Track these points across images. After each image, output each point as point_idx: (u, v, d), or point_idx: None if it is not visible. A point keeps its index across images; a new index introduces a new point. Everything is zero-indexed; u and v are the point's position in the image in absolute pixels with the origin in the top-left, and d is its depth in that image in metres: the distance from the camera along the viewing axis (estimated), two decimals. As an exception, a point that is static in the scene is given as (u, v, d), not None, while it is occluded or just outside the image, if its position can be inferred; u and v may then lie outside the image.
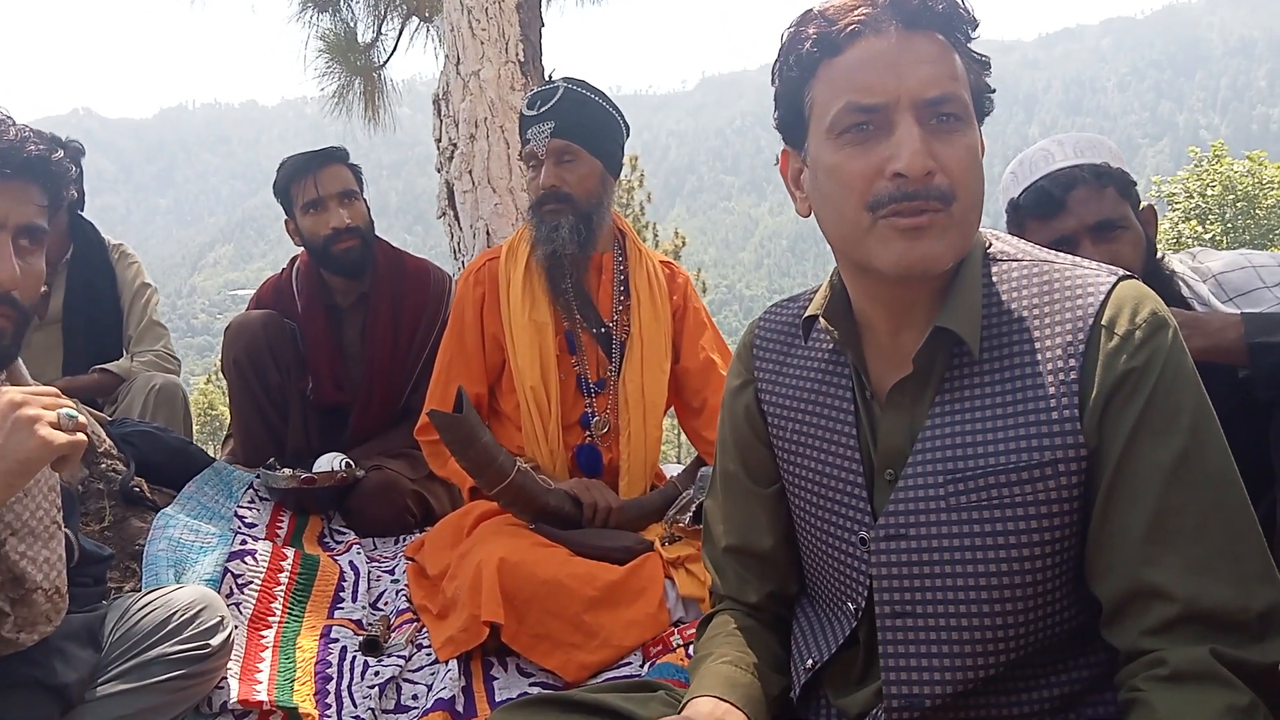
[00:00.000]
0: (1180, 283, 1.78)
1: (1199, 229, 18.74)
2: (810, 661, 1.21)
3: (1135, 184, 1.79)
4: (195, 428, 3.45)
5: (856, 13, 1.03)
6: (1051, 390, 1.02)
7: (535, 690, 1.84)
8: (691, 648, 1.36)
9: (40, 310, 3.14)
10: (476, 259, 2.43)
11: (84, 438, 1.24)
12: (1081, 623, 1.07)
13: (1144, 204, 1.82)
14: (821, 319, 1.18)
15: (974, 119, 1.06)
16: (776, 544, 1.28)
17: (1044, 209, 1.76)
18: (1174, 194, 19.81)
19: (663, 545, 2.15)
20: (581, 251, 2.27)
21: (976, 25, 1.06)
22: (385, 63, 5.68)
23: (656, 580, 2.04)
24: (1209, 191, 19.09)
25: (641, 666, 1.88)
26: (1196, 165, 19.94)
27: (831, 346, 1.20)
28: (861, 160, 1.03)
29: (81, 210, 3.26)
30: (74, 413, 1.23)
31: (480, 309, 2.35)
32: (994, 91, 1.11)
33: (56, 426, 1.21)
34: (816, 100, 1.07)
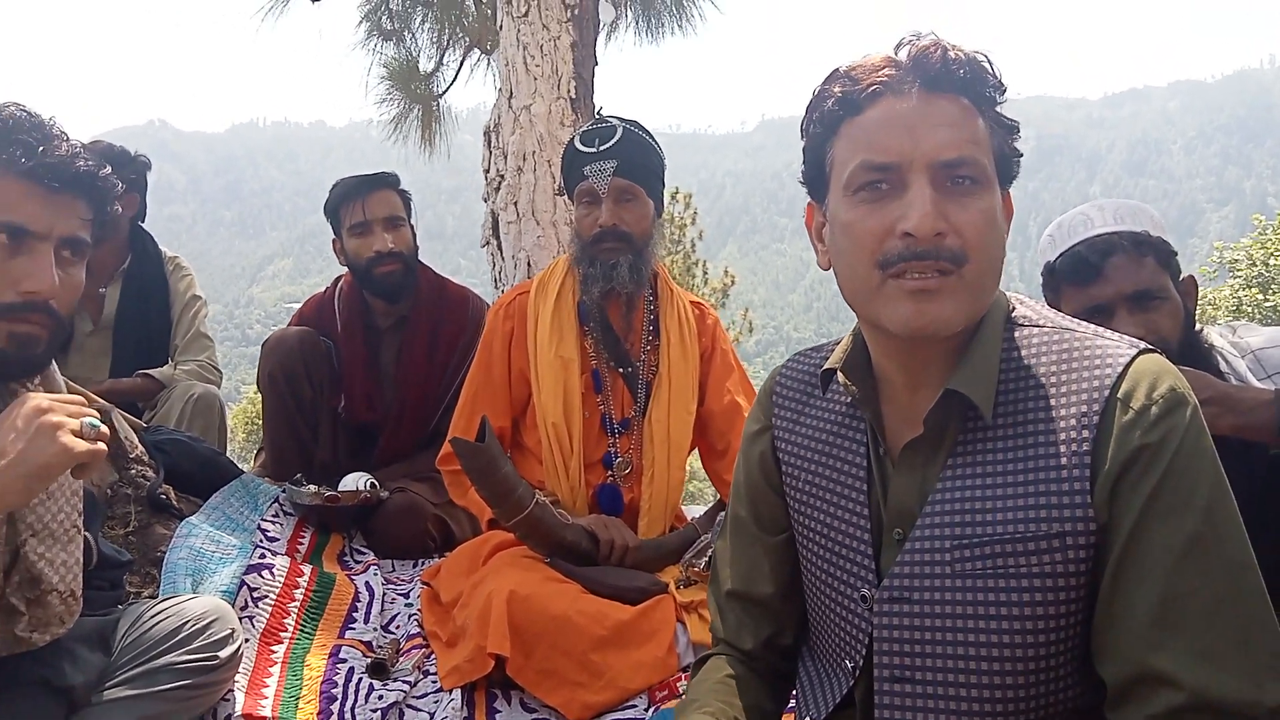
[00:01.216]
0: (1218, 356, 1.74)
1: (1259, 297, 18.34)
2: (808, 718, 1.19)
3: (1176, 254, 1.76)
4: (242, 436, 3.53)
5: (880, 74, 1.04)
6: (1064, 461, 1.00)
7: (537, 727, 1.83)
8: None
9: (94, 315, 3.23)
10: (508, 293, 2.45)
11: (104, 447, 1.27)
12: (1087, 701, 1.04)
13: (1184, 275, 1.78)
14: (839, 373, 1.19)
15: (994, 183, 1.05)
16: (777, 592, 1.28)
17: (1080, 275, 1.74)
18: (1236, 260, 19.44)
19: (678, 588, 2.13)
20: (637, 290, 2.29)
21: (1003, 90, 1.07)
22: (444, 92, 5.80)
23: (668, 623, 2.02)
24: (1272, 260, 18.70)
25: (646, 710, 1.86)
26: (1261, 233, 19.56)
27: (849, 400, 1.20)
28: (874, 218, 1.04)
29: (143, 221, 3.35)
30: (96, 422, 1.26)
31: (509, 343, 2.37)
32: (1020, 156, 1.10)
33: (79, 434, 1.24)
34: (837, 158, 1.09)
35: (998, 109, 1.07)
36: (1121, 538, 0.97)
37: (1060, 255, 1.79)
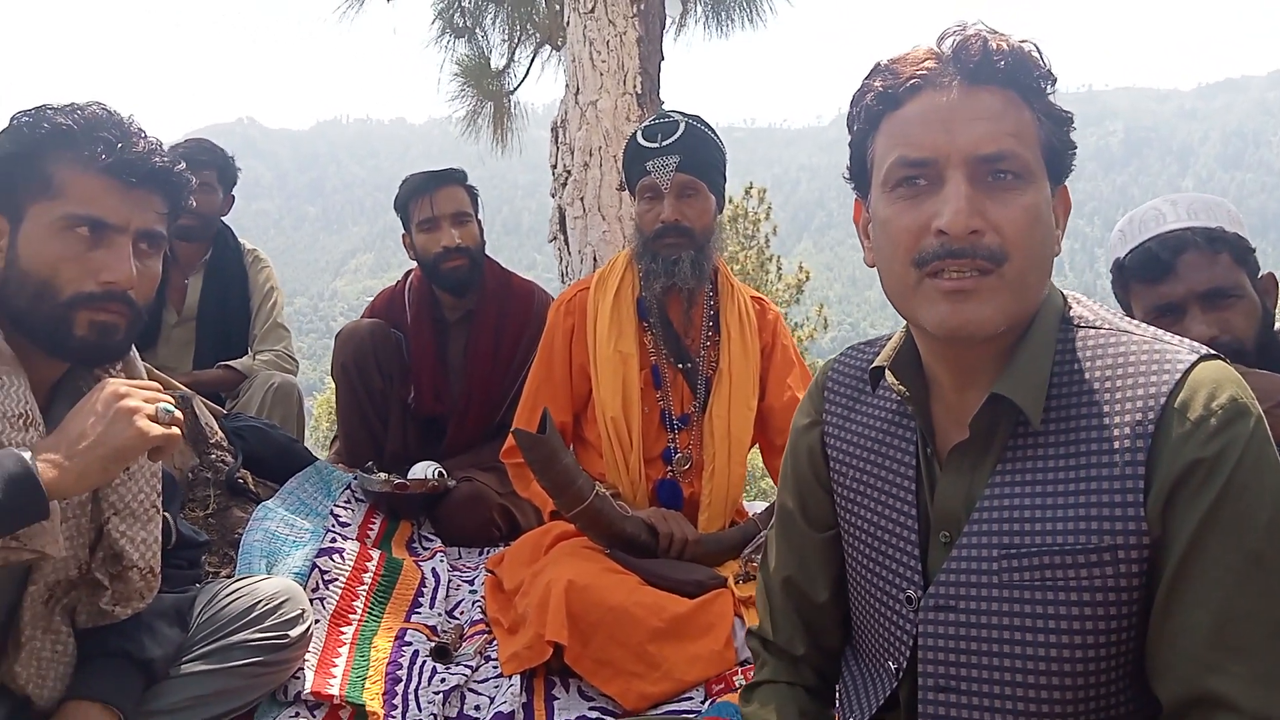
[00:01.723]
0: None
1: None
2: None
3: (1254, 250, 1.69)
4: (325, 426, 3.65)
5: (920, 67, 1.03)
6: (1116, 472, 0.97)
7: (594, 714, 1.86)
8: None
9: (178, 305, 3.37)
10: (569, 289, 2.48)
11: (178, 432, 1.33)
12: (1140, 718, 1.01)
13: (1264, 272, 1.72)
14: (888, 372, 1.16)
15: (1039, 177, 1.02)
16: (830, 596, 1.27)
17: (1150, 272, 1.69)
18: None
19: (736, 583, 2.13)
20: (698, 286, 2.30)
21: (1053, 80, 1.04)
22: (516, 88, 5.87)
23: (726, 617, 2.03)
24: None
25: (703, 703, 1.87)
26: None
27: (898, 399, 1.18)
28: (910, 215, 1.02)
29: (225, 216, 3.48)
30: (170, 407, 1.33)
31: (569, 339, 2.39)
32: (1075, 149, 1.07)
33: (154, 419, 1.30)
34: (877, 153, 1.08)
35: (1048, 99, 1.04)
36: (1177, 554, 0.94)
37: (1130, 251, 1.74)
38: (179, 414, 1.34)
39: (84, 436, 1.27)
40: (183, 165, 1.45)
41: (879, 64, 1.08)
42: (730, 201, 16.56)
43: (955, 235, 0.98)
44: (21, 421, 1.34)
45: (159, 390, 1.36)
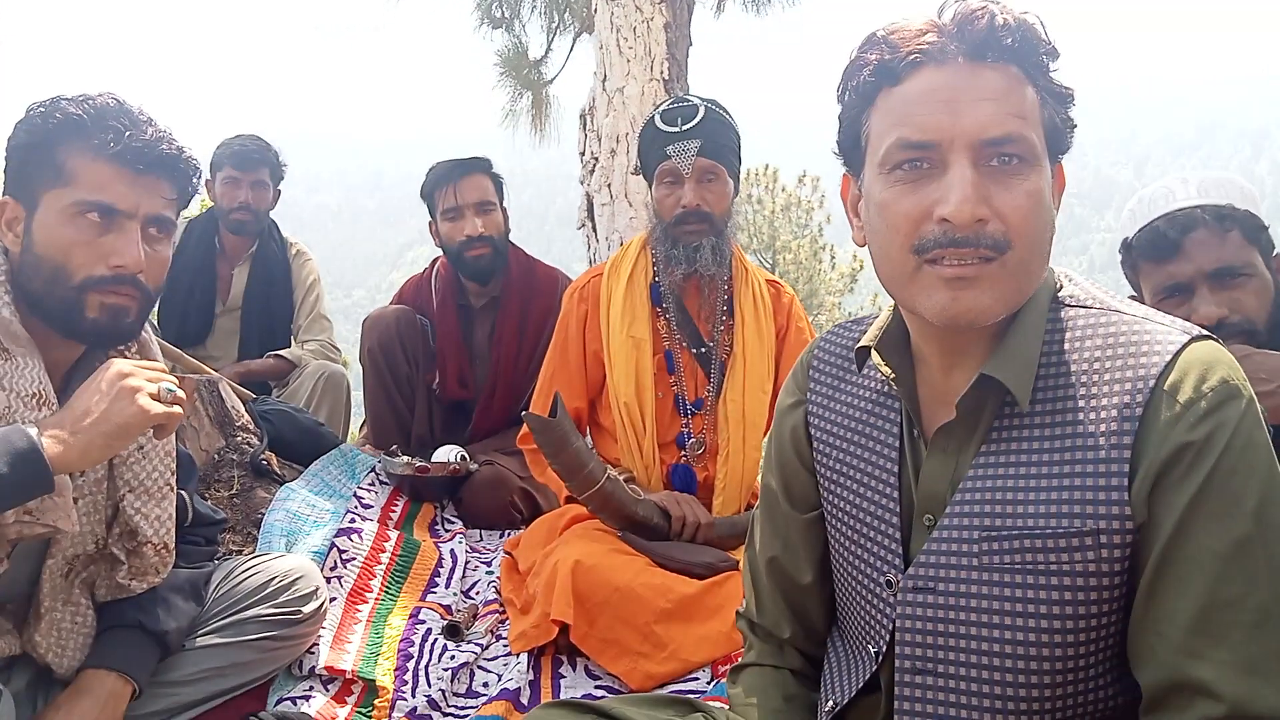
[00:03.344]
0: None
1: None
2: (831, 704, 1.18)
3: (1266, 229, 1.65)
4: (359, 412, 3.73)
5: (921, 40, 0.98)
6: (1102, 455, 0.95)
7: (600, 693, 1.88)
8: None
9: (224, 295, 3.48)
10: (582, 275, 2.49)
11: (180, 410, 1.38)
12: (1123, 706, 1.00)
13: (1278, 251, 1.67)
14: (874, 352, 1.14)
15: (1042, 159, 0.99)
16: (814, 578, 1.25)
17: (1158, 251, 1.65)
18: None
19: (748, 566, 2.14)
20: (720, 272, 2.30)
21: (1056, 54, 0.99)
22: (554, 79, 5.90)
23: (734, 599, 2.03)
24: None
25: (709, 683, 1.89)
26: None
27: (883, 379, 1.16)
28: (910, 200, 0.98)
29: (271, 210, 3.57)
30: (173, 387, 1.37)
31: (583, 325, 2.41)
32: (1075, 126, 1.03)
33: (156, 398, 1.35)
34: (872, 131, 1.03)
35: (1050, 76, 1.00)
36: (1162, 539, 0.92)
37: (1139, 231, 1.70)
38: (181, 393, 1.39)
39: (88, 413, 1.32)
40: (190, 152, 1.50)
41: (874, 34, 1.02)
42: (783, 190, 16.45)
43: (960, 224, 0.95)
44: (35, 401, 1.40)
45: (164, 371, 1.41)
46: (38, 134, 1.42)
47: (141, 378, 1.35)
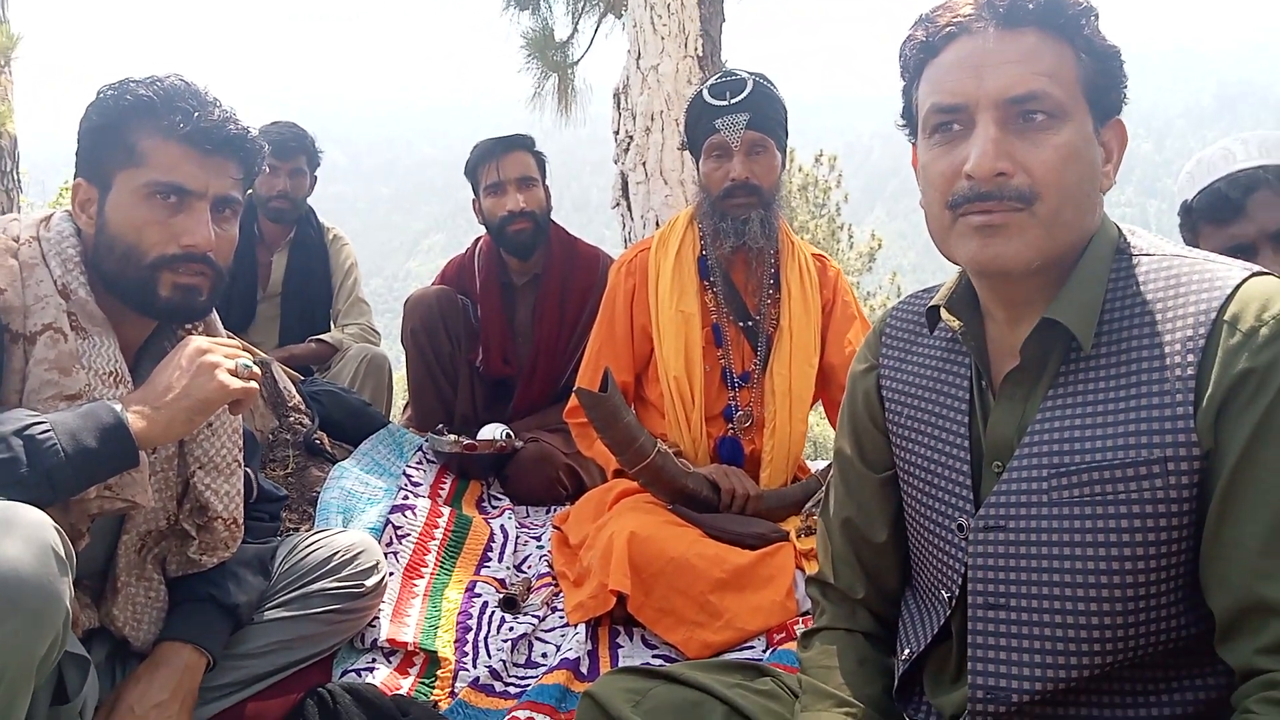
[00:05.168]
0: None
1: None
2: (907, 652, 1.21)
3: (1328, 190, 1.64)
4: (399, 399, 3.76)
5: (957, 15, 1.06)
6: (1167, 386, 0.98)
7: (658, 661, 1.91)
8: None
9: (264, 282, 3.51)
10: (629, 250, 2.50)
11: (256, 386, 1.41)
12: (1197, 636, 1.02)
13: None
14: (943, 310, 1.18)
15: (1074, 115, 1.04)
16: (889, 538, 1.28)
17: (1220, 213, 1.65)
18: None
19: (798, 537, 2.16)
20: (768, 245, 2.31)
21: (1092, 13, 1.04)
22: (580, 59, 5.89)
23: (787, 569, 2.05)
24: None
25: (764, 651, 1.91)
26: None
27: (952, 336, 1.20)
28: (944, 160, 1.06)
29: (308, 196, 3.60)
30: (249, 363, 1.40)
31: (630, 300, 2.42)
32: (1125, 82, 1.08)
33: (233, 374, 1.38)
34: (919, 101, 1.12)
35: (1087, 35, 1.05)
36: (1229, 465, 0.94)
37: (1199, 193, 1.70)
38: (257, 370, 1.42)
39: (170, 389, 1.35)
40: (255, 132, 1.52)
41: (922, 14, 1.11)
42: (800, 169, 16.39)
43: (981, 178, 1.02)
44: (112, 379, 1.43)
45: (239, 347, 1.44)
46: (109, 116, 1.44)
47: (219, 354, 1.38)
